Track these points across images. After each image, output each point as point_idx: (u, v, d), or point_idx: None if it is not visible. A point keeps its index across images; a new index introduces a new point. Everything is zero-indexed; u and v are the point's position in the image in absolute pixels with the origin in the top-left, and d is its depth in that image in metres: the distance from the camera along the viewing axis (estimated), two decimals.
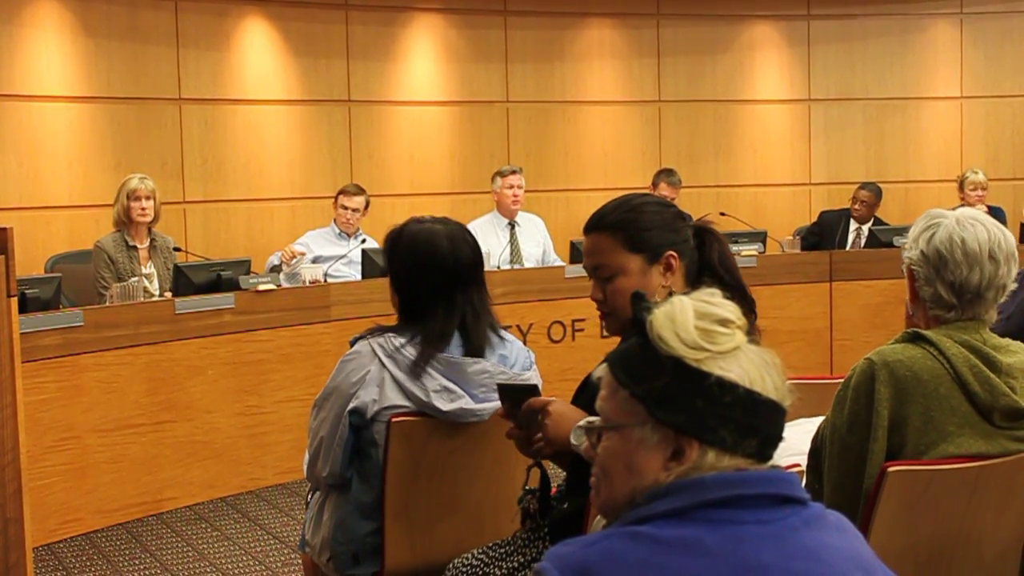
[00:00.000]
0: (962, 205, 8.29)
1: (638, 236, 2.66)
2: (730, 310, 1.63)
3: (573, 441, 2.45)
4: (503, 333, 3.46)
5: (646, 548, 1.51)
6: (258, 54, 8.93)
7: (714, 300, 1.65)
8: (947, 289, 2.66)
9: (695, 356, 1.58)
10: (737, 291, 2.73)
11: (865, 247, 8.66)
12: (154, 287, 6.84)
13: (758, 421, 1.58)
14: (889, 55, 10.20)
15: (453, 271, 3.34)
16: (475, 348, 3.36)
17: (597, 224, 2.71)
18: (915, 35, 10.26)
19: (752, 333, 2.70)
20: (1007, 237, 2.69)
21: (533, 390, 2.80)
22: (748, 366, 1.59)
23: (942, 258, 2.66)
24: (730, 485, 1.55)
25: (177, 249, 7.19)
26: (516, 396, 2.79)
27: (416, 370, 3.31)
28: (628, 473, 1.62)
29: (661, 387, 1.59)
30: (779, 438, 1.62)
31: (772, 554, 1.52)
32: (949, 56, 10.28)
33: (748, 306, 2.76)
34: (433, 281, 3.33)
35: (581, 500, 2.70)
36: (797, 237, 8.80)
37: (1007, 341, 2.76)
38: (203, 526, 6.06)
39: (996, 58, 10.20)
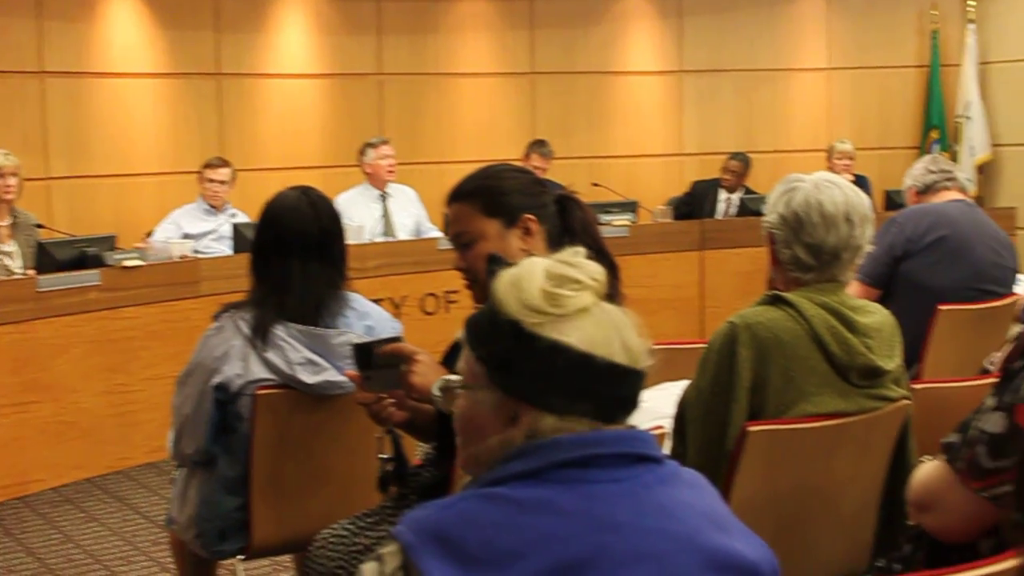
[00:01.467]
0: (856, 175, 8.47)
1: (495, 201, 2.67)
2: (585, 271, 1.61)
3: (435, 393, 2.45)
4: (365, 304, 3.43)
5: (501, 509, 1.50)
6: (124, 26, 8.71)
7: (572, 260, 1.63)
8: (805, 251, 2.71)
9: (531, 320, 1.56)
10: (600, 256, 2.75)
11: (735, 216, 8.78)
12: (16, 265, 6.65)
13: (595, 384, 1.56)
14: (759, 27, 10.32)
15: (310, 241, 3.31)
16: (333, 319, 3.33)
17: (456, 194, 2.74)
18: (784, 7, 10.39)
19: (614, 299, 2.72)
20: (862, 199, 2.74)
21: (395, 341, 2.76)
22: (592, 329, 1.57)
23: (800, 220, 2.71)
24: (583, 445, 1.55)
25: (39, 226, 6.99)
26: (373, 356, 2.73)
27: (278, 342, 3.27)
28: (477, 433, 1.62)
29: (498, 351, 1.59)
30: (626, 400, 1.61)
31: (626, 511, 1.52)
32: (817, 28, 10.44)
33: (612, 272, 2.79)
34: (289, 250, 3.30)
35: (446, 467, 2.70)
36: (669, 207, 8.89)
37: (864, 302, 2.82)
38: (69, 508, 5.92)
39: (862, 30, 10.38)
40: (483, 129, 9.80)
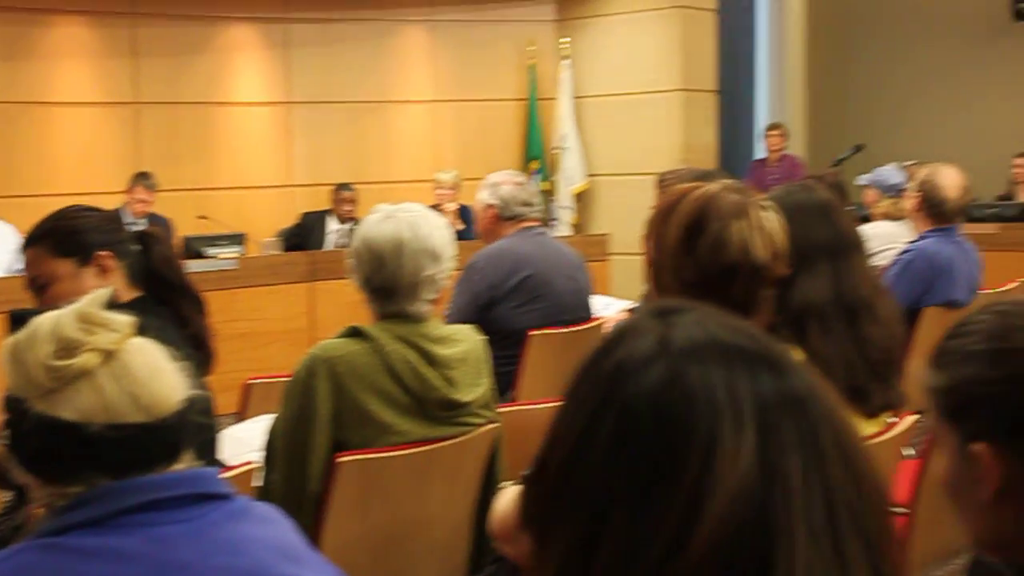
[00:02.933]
0: (435, 205, 8.65)
1: (65, 241, 2.63)
2: (97, 326, 1.55)
3: None
4: None
5: (60, 559, 1.47)
6: None
7: (88, 314, 1.56)
8: (381, 285, 2.77)
9: (31, 394, 1.53)
10: (183, 292, 2.73)
11: (346, 247, 8.81)
12: None
13: (97, 450, 1.52)
14: (366, 59, 10.44)
15: None
16: None
17: (28, 239, 2.72)
18: (389, 40, 10.57)
19: (200, 336, 2.68)
20: (418, 234, 2.81)
21: None
22: (91, 396, 1.52)
23: (377, 255, 2.77)
24: (143, 490, 1.53)
25: None
26: None
27: None
28: None
29: (8, 422, 1.57)
30: (149, 456, 1.55)
31: (192, 551, 1.51)
32: (421, 61, 10.68)
33: (196, 307, 2.76)
34: None
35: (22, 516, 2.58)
36: (279, 238, 8.85)
37: (452, 331, 2.91)
38: None
39: (464, 64, 10.69)
40: (83, 161, 9.42)
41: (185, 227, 8.33)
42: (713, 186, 2.30)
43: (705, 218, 2.19)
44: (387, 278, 2.75)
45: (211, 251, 7.57)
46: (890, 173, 6.51)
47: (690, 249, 2.19)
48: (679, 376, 0.96)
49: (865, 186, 6.33)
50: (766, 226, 2.20)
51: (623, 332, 1.02)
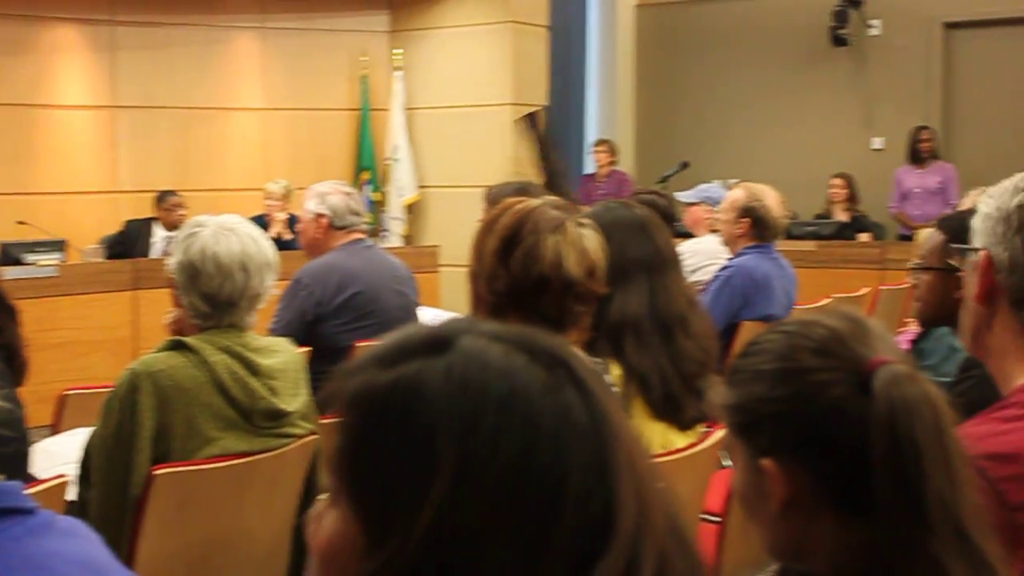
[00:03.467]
0: (265, 214, 8.57)
1: None
2: None
3: None
4: None
5: None
6: None
7: None
8: (201, 299, 2.74)
9: None
10: None
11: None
12: None
13: None
14: (196, 65, 10.26)
15: None
16: None
17: None
18: (219, 46, 10.42)
19: (12, 345, 2.62)
20: (260, 247, 2.80)
21: None
22: None
23: (196, 269, 2.73)
24: None
25: None
26: None
27: None
28: None
29: None
30: None
31: None
32: (252, 69, 10.55)
33: (8, 315, 2.69)
34: None
35: None
36: (101, 246, 8.64)
37: (270, 342, 2.89)
38: None
39: (296, 72, 10.59)
40: None
41: (3, 232, 8.08)
42: (535, 201, 2.34)
43: (521, 231, 2.22)
44: (233, 291, 2.72)
45: (30, 258, 7.36)
46: (715, 190, 6.68)
47: (505, 260, 2.22)
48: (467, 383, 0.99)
49: (690, 203, 6.47)
50: (582, 242, 2.24)
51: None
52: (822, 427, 1.35)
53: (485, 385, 0.99)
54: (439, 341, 1.05)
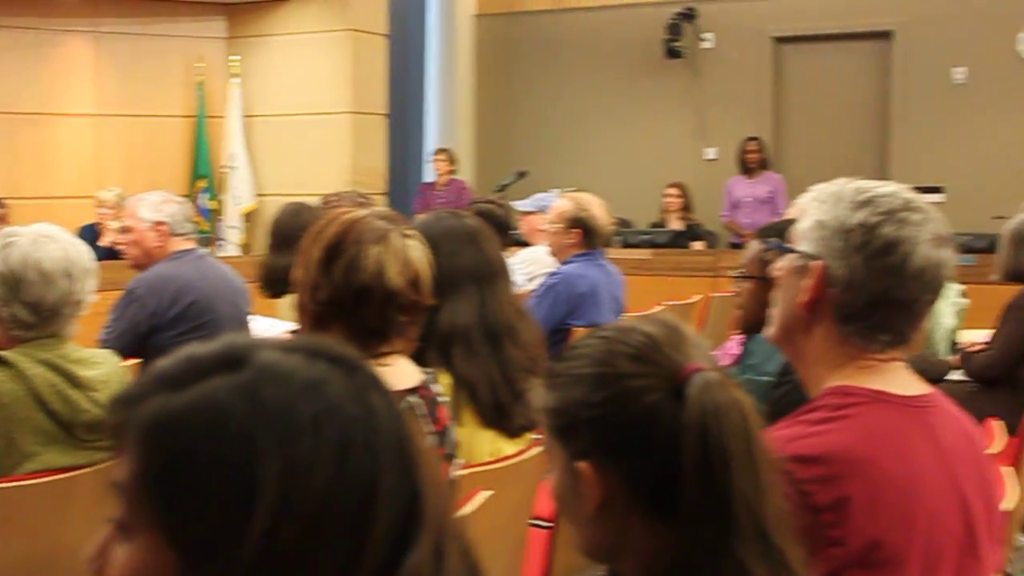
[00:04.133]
0: (95, 223, 8.38)
1: None
2: None
3: None
4: None
5: None
6: None
7: None
8: (24, 309, 2.68)
9: None
10: None
11: None
12: None
13: None
14: (25, 68, 9.96)
15: None
16: None
17: None
18: (50, 50, 10.14)
19: None
20: (81, 253, 2.75)
21: None
22: None
23: (17, 279, 2.67)
24: None
25: None
26: None
27: None
28: None
29: None
30: None
31: None
32: (84, 74, 10.29)
33: None
34: None
35: None
36: None
37: (92, 353, 2.84)
38: None
39: (130, 78, 10.36)
40: None
41: None
42: (362, 211, 2.34)
43: (345, 241, 2.23)
44: (58, 299, 2.65)
45: None
46: (552, 199, 6.75)
47: (327, 270, 2.22)
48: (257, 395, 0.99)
49: (527, 212, 6.53)
50: (405, 252, 2.25)
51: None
52: (637, 432, 1.38)
53: (294, 403, 0.99)
54: (231, 358, 1.04)
